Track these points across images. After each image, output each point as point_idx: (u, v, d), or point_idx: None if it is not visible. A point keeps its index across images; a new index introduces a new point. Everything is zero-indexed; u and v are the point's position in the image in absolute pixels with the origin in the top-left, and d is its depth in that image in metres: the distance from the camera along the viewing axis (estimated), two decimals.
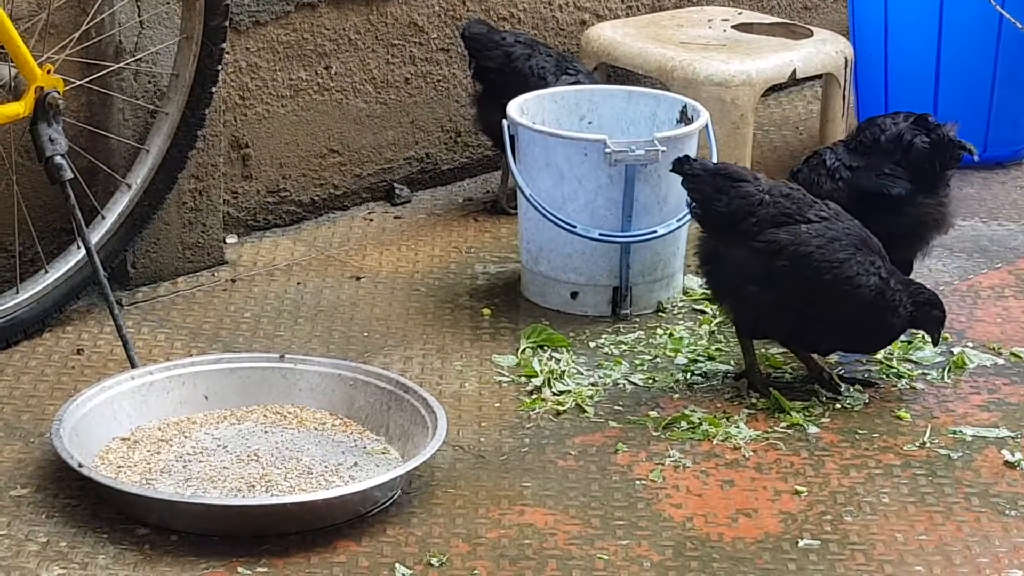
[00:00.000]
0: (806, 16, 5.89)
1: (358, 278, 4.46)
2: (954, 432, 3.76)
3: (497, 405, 3.84)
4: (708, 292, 4.10)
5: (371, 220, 4.83)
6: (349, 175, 4.87)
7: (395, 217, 4.86)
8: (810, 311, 3.84)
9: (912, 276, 4.13)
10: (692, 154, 4.30)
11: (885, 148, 4.14)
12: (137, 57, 4.20)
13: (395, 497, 3.44)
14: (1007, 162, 5.31)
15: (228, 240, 4.60)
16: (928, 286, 3.95)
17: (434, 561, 3.24)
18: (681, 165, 3.96)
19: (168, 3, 4.21)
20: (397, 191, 4.94)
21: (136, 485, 3.42)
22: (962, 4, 5.08)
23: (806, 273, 3.81)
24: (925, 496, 3.51)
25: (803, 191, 3.96)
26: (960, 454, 3.68)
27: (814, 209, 3.88)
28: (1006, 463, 3.64)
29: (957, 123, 4.16)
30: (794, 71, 5.02)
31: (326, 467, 3.53)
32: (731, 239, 3.87)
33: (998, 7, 5.00)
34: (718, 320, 4.23)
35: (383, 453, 3.61)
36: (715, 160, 4.36)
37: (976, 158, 4.16)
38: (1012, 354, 4.12)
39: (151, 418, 3.67)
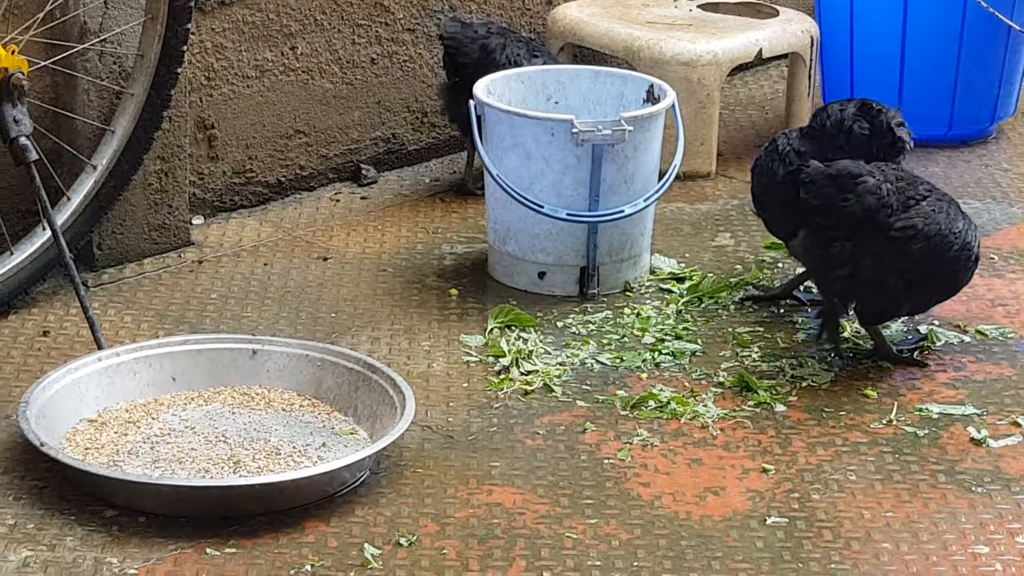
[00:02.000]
0: None
1: (325, 259, 4.45)
2: (920, 410, 3.78)
3: (465, 385, 3.84)
4: (836, 295, 3.91)
5: (338, 201, 4.82)
6: (315, 156, 4.86)
7: (362, 198, 4.85)
8: (932, 283, 3.90)
9: None
10: (659, 134, 4.31)
11: (830, 134, 4.17)
12: (102, 38, 4.18)
13: (363, 477, 3.44)
14: (972, 141, 5.33)
15: (194, 221, 4.59)
16: None
17: (403, 541, 3.24)
18: (797, 174, 3.88)
19: None
20: (364, 172, 4.94)
21: (104, 467, 3.41)
22: None
23: (939, 249, 3.85)
24: (892, 473, 3.53)
25: (902, 167, 4.01)
26: (926, 431, 3.69)
27: (916, 185, 3.92)
28: (972, 440, 3.66)
29: (900, 108, 4.19)
30: (760, 51, 5.03)
31: (294, 448, 3.53)
32: (866, 236, 3.83)
33: None
34: (685, 300, 4.24)
35: (351, 434, 3.60)
36: (681, 140, 4.37)
37: (910, 146, 4.16)
38: (978, 332, 4.14)
39: (118, 400, 3.66)
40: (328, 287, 4.29)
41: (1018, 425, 3.72)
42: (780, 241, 4.31)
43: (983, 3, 5.04)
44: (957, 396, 3.84)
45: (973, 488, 3.48)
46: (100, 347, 3.80)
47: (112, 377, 3.67)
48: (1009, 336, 4.12)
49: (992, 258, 4.54)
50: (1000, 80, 5.27)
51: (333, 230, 4.63)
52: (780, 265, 4.46)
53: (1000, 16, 5.08)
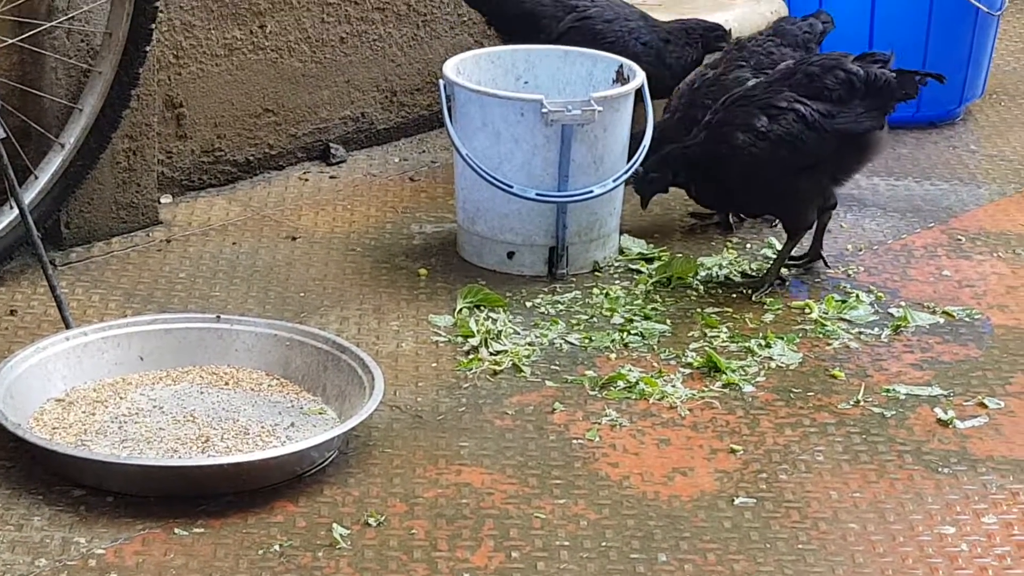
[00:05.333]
0: None
1: (294, 238, 4.44)
2: (888, 391, 3.79)
3: (434, 365, 3.84)
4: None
5: (306, 180, 4.81)
6: (284, 135, 4.85)
7: (331, 177, 4.84)
8: None
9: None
10: (628, 114, 4.31)
11: (853, 88, 4.14)
12: (70, 15, 4.15)
13: (332, 457, 3.44)
14: (940, 122, 5.35)
15: (162, 200, 4.58)
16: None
17: (372, 521, 3.24)
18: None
19: None
20: (333, 151, 4.93)
21: (71, 446, 3.40)
22: None
23: None
24: (859, 454, 3.54)
25: None
26: (893, 412, 3.71)
27: None
28: (939, 421, 3.68)
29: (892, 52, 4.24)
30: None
31: (263, 427, 3.52)
32: None
33: None
34: (654, 280, 4.25)
35: (320, 413, 3.60)
36: (651, 120, 4.36)
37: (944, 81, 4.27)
38: (945, 313, 4.15)
39: (86, 379, 3.65)
40: (297, 267, 4.29)
41: (984, 406, 3.74)
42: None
43: None
44: (924, 377, 3.86)
45: (940, 469, 3.50)
46: (68, 326, 3.79)
47: (80, 356, 3.66)
48: (976, 317, 4.14)
49: (959, 239, 4.56)
50: (968, 62, 5.28)
51: (302, 209, 4.62)
52: (748, 246, 4.47)
53: None
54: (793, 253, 4.30)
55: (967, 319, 4.13)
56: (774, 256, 4.36)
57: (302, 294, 4.14)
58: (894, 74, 4.15)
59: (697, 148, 4.23)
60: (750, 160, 4.14)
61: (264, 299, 4.10)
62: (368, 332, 3.97)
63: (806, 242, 4.34)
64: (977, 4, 5.14)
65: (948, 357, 3.95)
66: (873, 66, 4.16)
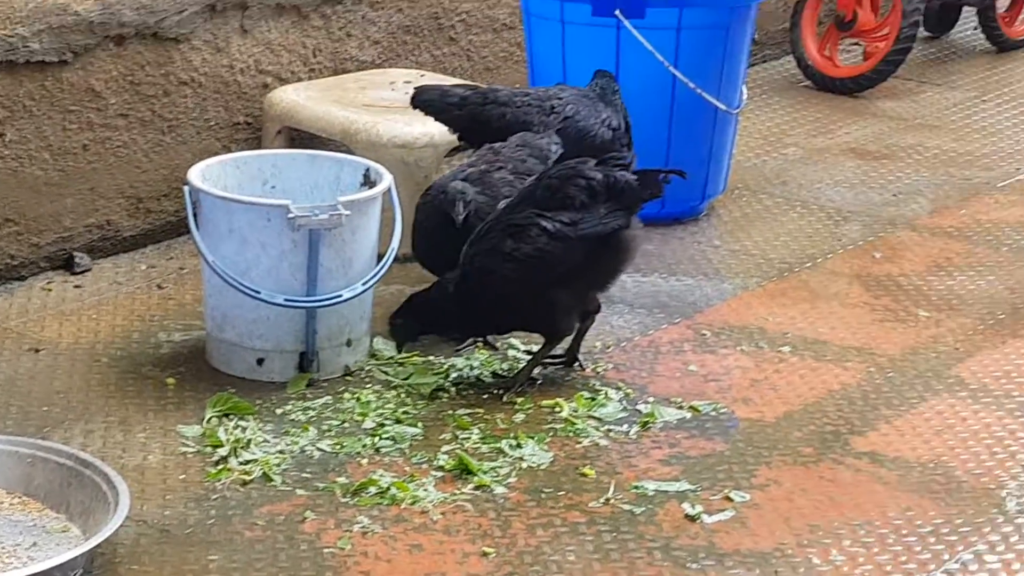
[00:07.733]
0: (488, 77, 5.96)
1: (37, 350, 4.35)
2: (637, 487, 3.83)
3: (182, 477, 3.78)
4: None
5: (50, 290, 4.72)
6: (26, 245, 4.75)
7: (75, 287, 4.76)
8: None
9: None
10: (376, 217, 4.32)
11: (595, 193, 4.18)
12: None
13: None
14: (684, 218, 5.45)
15: None
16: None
17: None
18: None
19: None
20: (77, 260, 4.84)
21: None
22: (638, 66, 5.20)
23: None
24: (609, 552, 3.57)
25: None
26: (643, 509, 3.74)
27: None
28: (687, 516, 3.72)
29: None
30: None
31: (3, 548, 3.43)
32: None
33: (672, 68, 5.15)
34: (406, 383, 4.24)
35: (63, 531, 3.52)
36: (399, 222, 4.37)
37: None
38: (691, 408, 4.21)
39: None
40: (40, 379, 4.19)
41: (730, 500, 3.79)
42: None
43: (690, 84, 5.18)
44: (672, 472, 3.91)
45: (688, 564, 3.54)
46: None
47: None
48: (721, 411, 4.21)
49: (704, 334, 4.64)
50: (709, 159, 5.41)
51: (45, 320, 4.53)
52: (499, 345, 4.49)
53: (707, 97, 5.22)
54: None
55: (713, 413, 4.20)
56: (525, 355, 4.39)
57: (45, 408, 4.05)
58: (635, 176, 4.22)
59: (449, 292, 4.20)
60: (504, 284, 4.15)
61: (5, 414, 4.00)
62: (114, 445, 3.89)
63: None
64: (715, 103, 5.27)
65: (695, 452, 4.01)
66: (614, 169, 4.22)
